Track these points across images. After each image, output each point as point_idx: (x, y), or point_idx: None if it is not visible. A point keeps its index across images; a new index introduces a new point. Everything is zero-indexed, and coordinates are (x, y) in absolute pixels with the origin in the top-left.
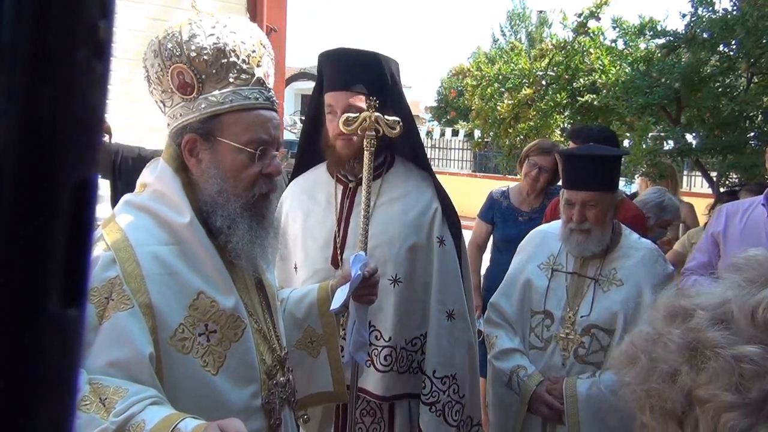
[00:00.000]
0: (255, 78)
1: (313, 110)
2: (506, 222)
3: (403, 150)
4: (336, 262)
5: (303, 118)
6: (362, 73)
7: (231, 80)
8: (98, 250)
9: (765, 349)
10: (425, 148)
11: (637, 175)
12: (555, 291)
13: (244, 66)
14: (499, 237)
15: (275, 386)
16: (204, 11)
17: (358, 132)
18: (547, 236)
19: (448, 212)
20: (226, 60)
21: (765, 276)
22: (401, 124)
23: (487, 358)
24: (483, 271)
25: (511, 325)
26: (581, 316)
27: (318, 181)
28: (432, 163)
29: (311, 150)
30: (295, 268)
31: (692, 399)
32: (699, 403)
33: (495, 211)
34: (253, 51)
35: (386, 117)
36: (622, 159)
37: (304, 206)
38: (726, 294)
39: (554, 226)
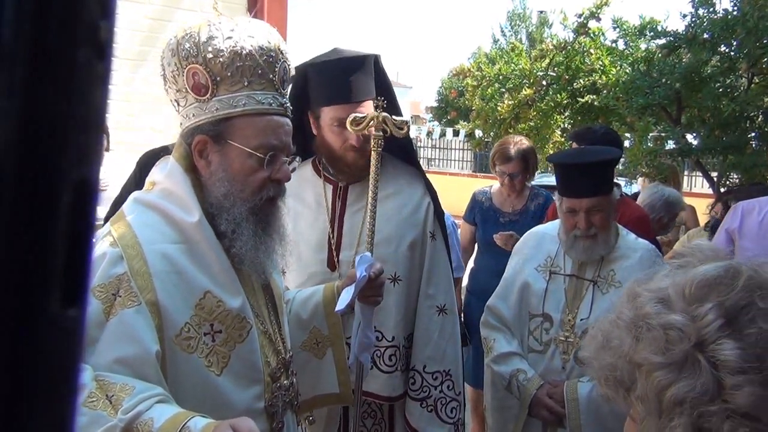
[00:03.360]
0: (270, 83)
1: (295, 104)
2: (486, 223)
3: (391, 148)
4: (332, 264)
5: None
6: (364, 79)
7: (245, 84)
8: (106, 247)
9: (688, 318)
10: (425, 148)
11: (638, 176)
12: (553, 293)
13: (260, 71)
14: (480, 238)
15: (279, 389)
16: (222, 14)
17: (366, 132)
18: (544, 238)
19: (436, 207)
20: (241, 64)
21: (700, 259)
22: (408, 124)
23: (485, 361)
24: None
25: (509, 329)
26: (581, 319)
27: (304, 182)
28: (432, 163)
29: (295, 142)
30: (283, 272)
31: (633, 365)
32: (637, 367)
33: (476, 211)
34: (270, 56)
35: (394, 117)
36: (622, 158)
37: (291, 208)
38: (666, 280)
39: (550, 227)
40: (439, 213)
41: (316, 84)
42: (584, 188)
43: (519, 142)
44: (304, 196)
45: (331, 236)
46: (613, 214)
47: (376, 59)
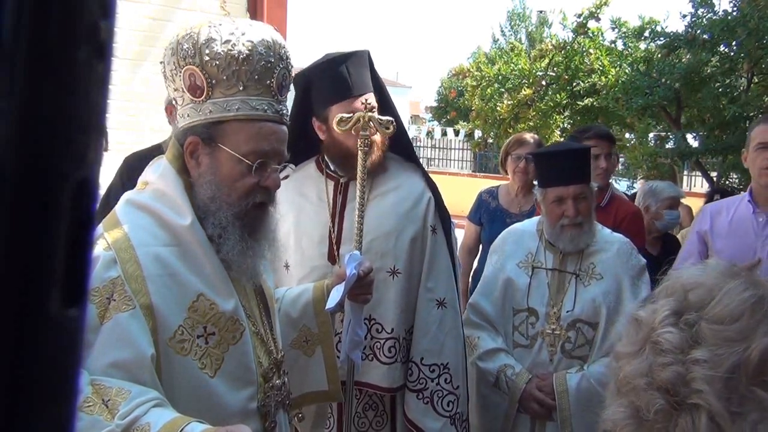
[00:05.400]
0: (266, 89)
1: (299, 111)
2: (493, 223)
3: (392, 147)
4: (333, 258)
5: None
6: (361, 72)
7: (241, 88)
8: (99, 249)
9: (649, 311)
10: (425, 148)
11: (639, 177)
12: (537, 288)
13: (256, 76)
14: (486, 239)
15: (271, 389)
16: (229, 14)
17: (352, 132)
18: (523, 234)
19: (439, 202)
20: (237, 68)
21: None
22: (394, 123)
23: (469, 360)
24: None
25: (493, 325)
26: (566, 311)
27: (307, 178)
28: (432, 163)
29: (297, 148)
30: (287, 266)
31: (615, 361)
32: (617, 361)
33: (482, 211)
34: (269, 62)
35: (379, 117)
36: (623, 160)
37: (294, 204)
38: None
39: (529, 224)
40: (441, 207)
41: (319, 87)
42: (571, 175)
43: (533, 135)
44: (307, 192)
45: (332, 231)
46: (594, 204)
47: (367, 57)
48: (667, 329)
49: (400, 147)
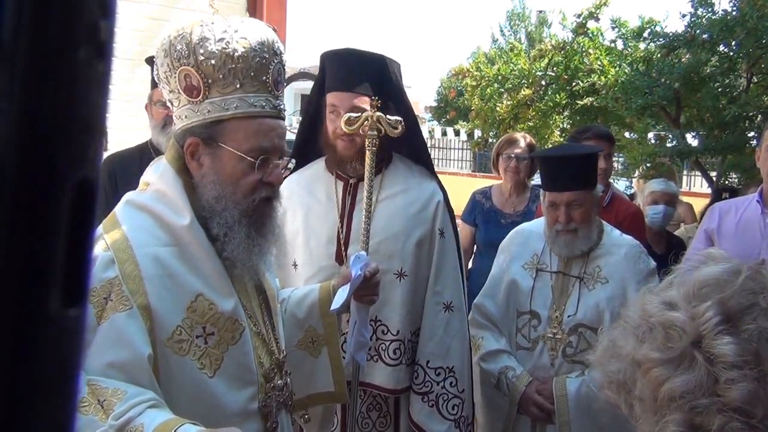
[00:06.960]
0: (263, 85)
1: (312, 108)
2: (488, 224)
3: (400, 148)
4: (340, 258)
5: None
6: (367, 74)
7: (237, 86)
8: (97, 250)
9: (688, 316)
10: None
11: (635, 177)
12: (541, 291)
13: (252, 73)
14: (481, 240)
15: (272, 389)
16: (218, 12)
17: (360, 132)
18: (530, 235)
19: (448, 205)
20: (233, 66)
21: (703, 263)
22: (403, 123)
23: (473, 360)
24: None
25: (497, 326)
26: (568, 316)
27: (317, 177)
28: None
29: (309, 147)
30: (295, 265)
31: (635, 365)
32: (638, 366)
33: (476, 212)
34: (264, 58)
35: (388, 117)
36: (623, 160)
37: (304, 202)
38: (673, 282)
39: (536, 225)
40: (450, 211)
41: (326, 73)
42: (564, 182)
43: (524, 135)
44: (316, 191)
45: (341, 231)
46: (594, 210)
47: (384, 63)
48: (724, 339)
49: (414, 149)
